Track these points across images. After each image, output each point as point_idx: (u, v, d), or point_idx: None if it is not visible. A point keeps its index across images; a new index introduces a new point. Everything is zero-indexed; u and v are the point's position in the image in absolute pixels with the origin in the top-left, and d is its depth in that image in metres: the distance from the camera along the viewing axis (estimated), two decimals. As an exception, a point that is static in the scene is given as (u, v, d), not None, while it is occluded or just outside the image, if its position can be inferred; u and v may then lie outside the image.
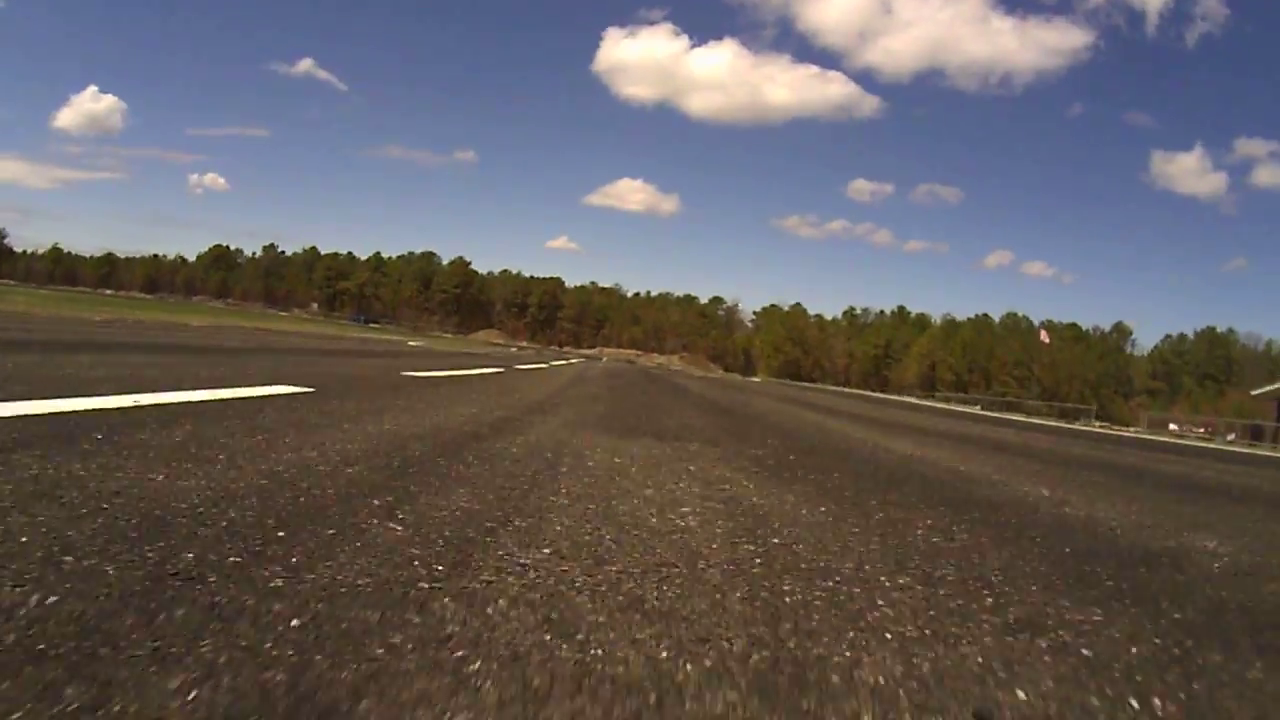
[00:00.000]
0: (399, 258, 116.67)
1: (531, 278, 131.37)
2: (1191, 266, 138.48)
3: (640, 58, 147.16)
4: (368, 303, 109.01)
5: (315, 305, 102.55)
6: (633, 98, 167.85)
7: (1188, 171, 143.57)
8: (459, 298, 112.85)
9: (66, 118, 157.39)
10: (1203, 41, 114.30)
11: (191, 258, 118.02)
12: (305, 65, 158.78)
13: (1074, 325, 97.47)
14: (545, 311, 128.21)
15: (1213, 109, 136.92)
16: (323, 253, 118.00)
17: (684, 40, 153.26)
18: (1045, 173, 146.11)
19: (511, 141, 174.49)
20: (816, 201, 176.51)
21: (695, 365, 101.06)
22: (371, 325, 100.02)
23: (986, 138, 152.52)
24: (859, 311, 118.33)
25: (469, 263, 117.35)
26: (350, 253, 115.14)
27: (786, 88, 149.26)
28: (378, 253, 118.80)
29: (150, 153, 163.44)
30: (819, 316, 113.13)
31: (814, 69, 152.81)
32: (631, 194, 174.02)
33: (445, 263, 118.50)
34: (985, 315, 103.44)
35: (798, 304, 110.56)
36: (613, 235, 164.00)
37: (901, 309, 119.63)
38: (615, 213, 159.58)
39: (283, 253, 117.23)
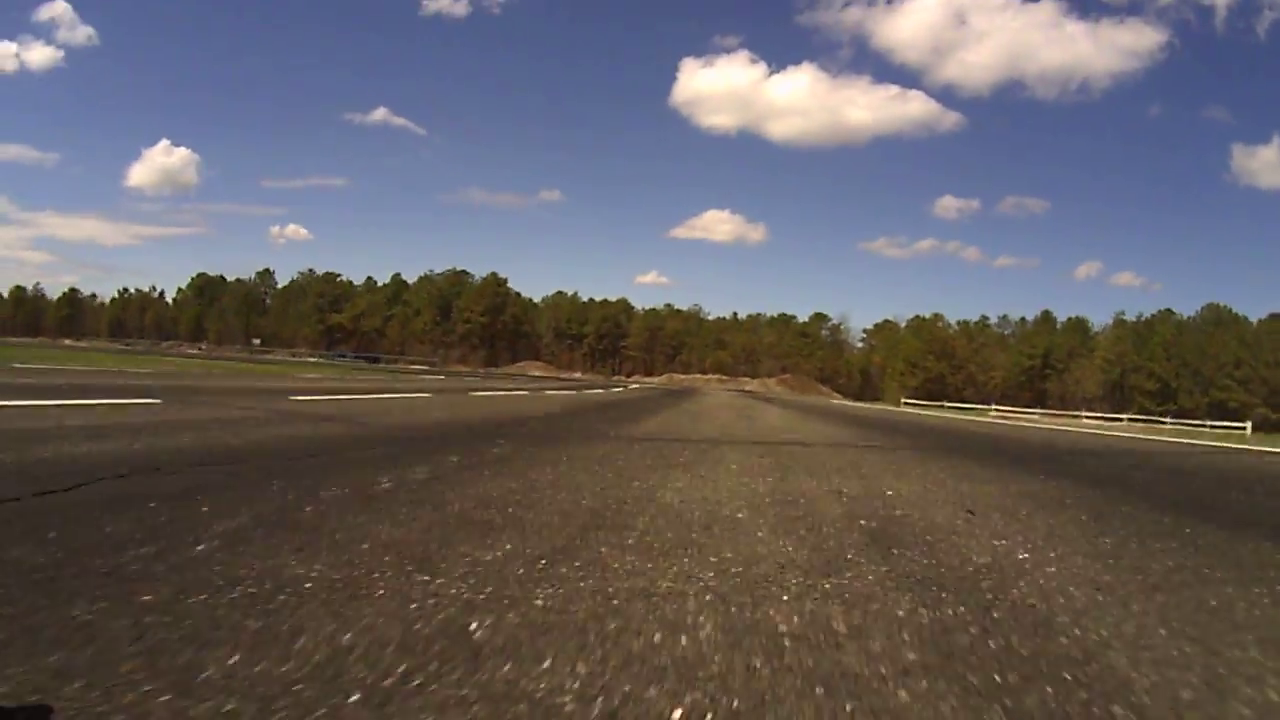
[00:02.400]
0: (422, 278, 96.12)
1: (590, 301, 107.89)
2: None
3: (718, 87, 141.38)
4: (368, 338, 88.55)
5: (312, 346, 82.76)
6: (714, 128, 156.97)
7: (1269, 164, 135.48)
8: (489, 326, 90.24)
9: (140, 174, 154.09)
10: (1274, 30, 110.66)
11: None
12: (380, 114, 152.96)
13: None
14: (606, 340, 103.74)
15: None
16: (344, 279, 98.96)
17: (761, 67, 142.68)
18: (1129, 178, 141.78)
19: (596, 179, 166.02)
20: (904, 222, 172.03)
21: (801, 389, 73.00)
22: (369, 362, 78.82)
23: (1069, 146, 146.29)
24: (995, 320, 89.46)
25: (503, 280, 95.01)
26: (349, 280, 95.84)
27: (866, 108, 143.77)
28: (398, 275, 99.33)
29: (229, 208, 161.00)
30: (964, 323, 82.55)
31: (893, 89, 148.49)
32: (719, 225, 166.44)
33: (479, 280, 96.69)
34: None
35: (937, 313, 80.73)
36: (702, 267, 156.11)
37: (1047, 314, 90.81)
38: (703, 244, 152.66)
39: (273, 280, 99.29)
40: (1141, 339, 73.78)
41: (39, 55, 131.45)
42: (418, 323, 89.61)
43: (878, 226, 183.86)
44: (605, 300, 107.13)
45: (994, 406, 49.65)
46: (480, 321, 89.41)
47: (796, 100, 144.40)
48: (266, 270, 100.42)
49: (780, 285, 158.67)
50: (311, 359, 68.49)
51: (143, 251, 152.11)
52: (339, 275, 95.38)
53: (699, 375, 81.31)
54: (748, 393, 36.11)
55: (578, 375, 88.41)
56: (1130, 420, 43.17)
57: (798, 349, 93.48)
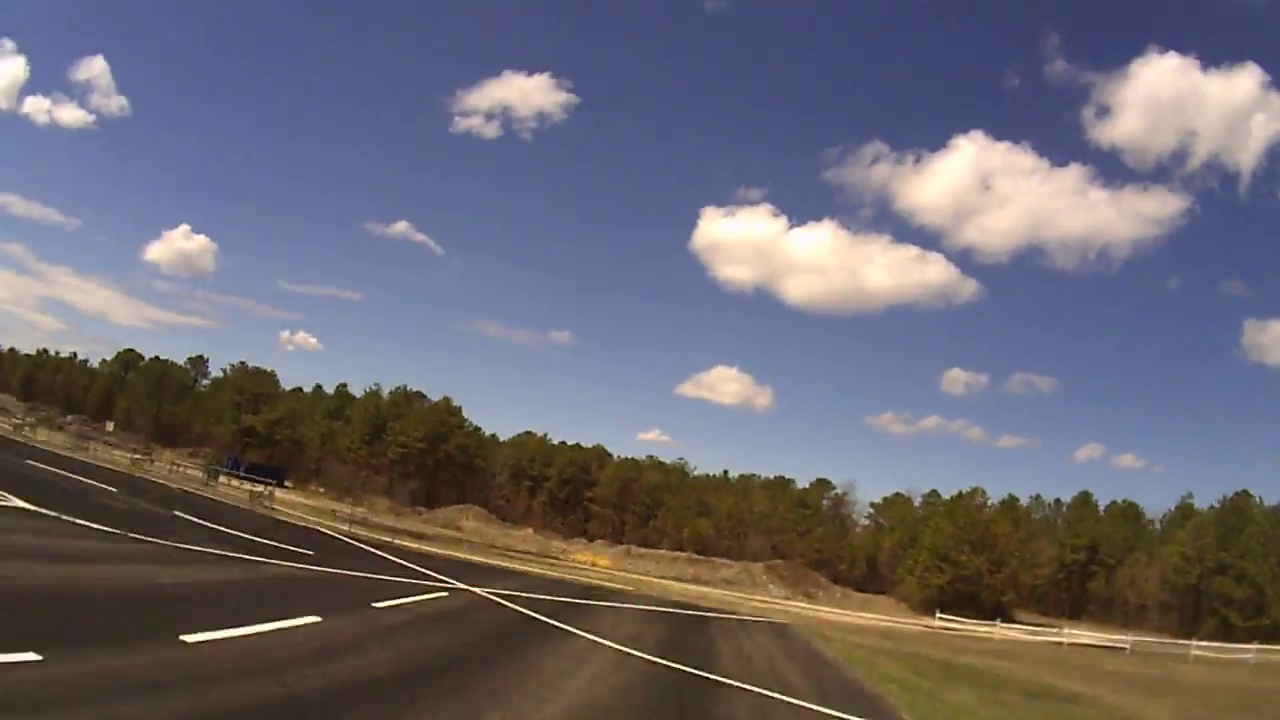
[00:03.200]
0: (368, 393, 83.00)
1: (561, 444, 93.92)
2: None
3: (738, 238, 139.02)
4: (282, 449, 74.37)
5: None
6: (730, 280, 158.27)
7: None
8: (427, 455, 75.93)
9: (158, 251, 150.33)
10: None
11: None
12: (402, 227, 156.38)
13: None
14: (570, 488, 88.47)
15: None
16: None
17: (782, 221, 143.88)
18: (1138, 354, 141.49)
19: (608, 323, 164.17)
20: (912, 396, 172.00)
21: (794, 581, 56.90)
22: (255, 478, 64.08)
23: (1083, 319, 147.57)
24: (1026, 501, 75.50)
25: (456, 409, 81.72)
26: (273, 370, 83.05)
27: (885, 270, 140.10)
28: (343, 385, 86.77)
29: (242, 303, 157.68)
30: (1011, 501, 67.37)
31: (913, 250, 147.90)
32: (726, 384, 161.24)
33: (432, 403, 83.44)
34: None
35: (976, 487, 65.78)
36: (704, 428, 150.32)
37: (1087, 497, 76.89)
38: (708, 405, 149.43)
39: (206, 367, 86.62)
40: (1230, 530, 57.85)
41: (71, 115, 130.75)
42: (343, 439, 75.62)
43: (886, 400, 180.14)
44: (578, 445, 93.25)
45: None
46: (417, 447, 75.17)
47: (815, 257, 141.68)
48: (200, 357, 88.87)
49: (782, 453, 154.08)
50: (179, 464, 54.40)
51: (151, 334, 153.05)
52: (268, 370, 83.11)
53: (666, 553, 65.21)
54: (698, 619, 21.82)
55: (528, 532, 73.07)
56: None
57: (794, 522, 77.59)
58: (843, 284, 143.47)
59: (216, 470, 51.98)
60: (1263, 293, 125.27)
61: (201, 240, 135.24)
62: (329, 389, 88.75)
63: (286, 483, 71.45)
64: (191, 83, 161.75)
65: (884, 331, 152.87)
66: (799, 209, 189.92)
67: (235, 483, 56.47)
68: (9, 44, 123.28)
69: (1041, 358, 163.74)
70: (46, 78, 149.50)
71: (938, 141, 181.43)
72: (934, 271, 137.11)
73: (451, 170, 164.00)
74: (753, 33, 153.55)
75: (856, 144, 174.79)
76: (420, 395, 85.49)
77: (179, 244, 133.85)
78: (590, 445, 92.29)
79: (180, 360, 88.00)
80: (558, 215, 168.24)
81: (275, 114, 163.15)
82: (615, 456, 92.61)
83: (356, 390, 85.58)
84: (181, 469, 51.50)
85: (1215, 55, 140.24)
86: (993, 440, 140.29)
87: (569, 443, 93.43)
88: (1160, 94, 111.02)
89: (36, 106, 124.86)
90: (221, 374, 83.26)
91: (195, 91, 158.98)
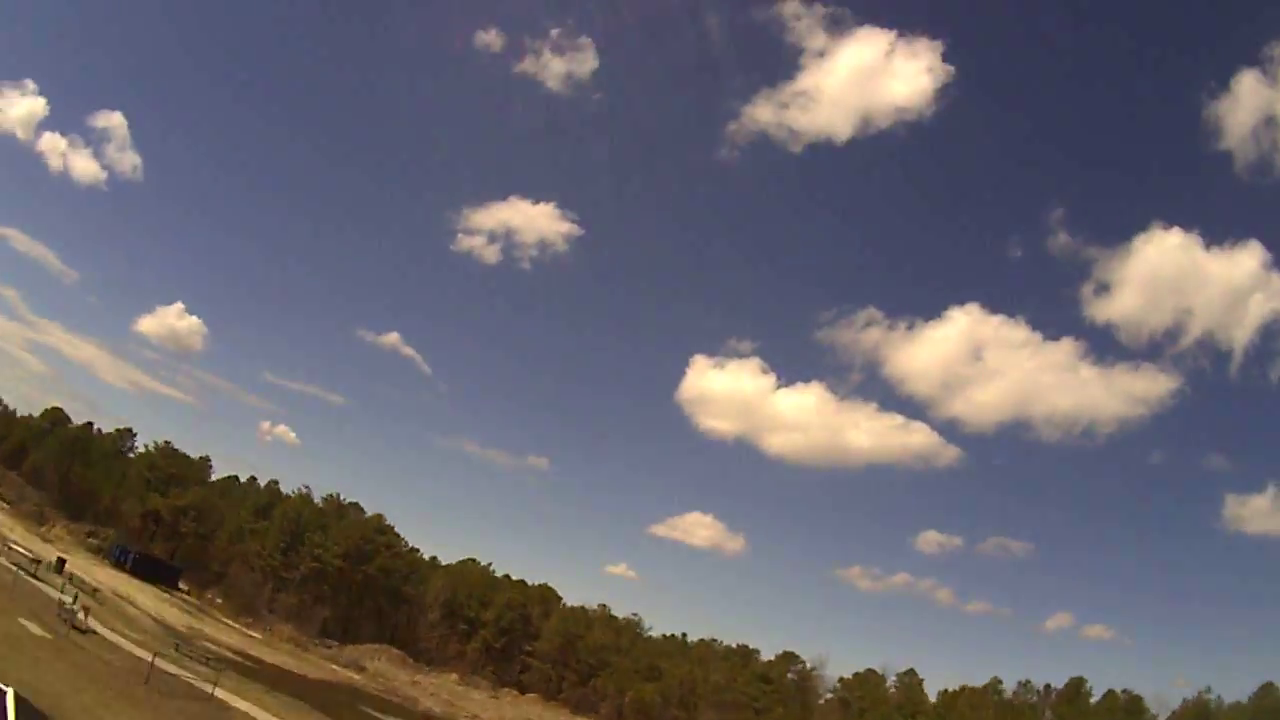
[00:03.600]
0: (300, 496, 75.05)
1: (507, 577, 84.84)
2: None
3: (725, 390, 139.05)
4: (186, 541, 65.67)
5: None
6: (712, 430, 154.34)
7: (1261, 512, 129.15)
8: (346, 574, 67.22)
9: (150, 324, 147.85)
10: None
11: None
12: (393, 338, 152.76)
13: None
14: (509, 637, 78.35)
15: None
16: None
17: (771, 378, 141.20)
18: (1118, 526, 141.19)
19: (587, 455, 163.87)
20: (883, 552, 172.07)
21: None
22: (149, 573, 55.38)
23: (1063, 489, 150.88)
24: (1014, 688, 65.19)
25: (388, 527, 73.90)
26: (206, 457, 75.39)
27: (867, 434, 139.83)
28: (274, 482, 78.90)
29: (226, 386, 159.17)
30: (995, 687, 58.31)
31: (898, 419, 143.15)
32: (699, 529, 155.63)
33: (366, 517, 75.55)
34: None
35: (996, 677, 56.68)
36: (673, 568, 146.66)
37: (1078, 684, 65.51)
38: (679, 546, 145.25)
39: (132, 439, 78.51)
40: None
41: (84, 166, 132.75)
42: (254, 542, 67.06)
43: (856, 554, 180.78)
44: (522, 581, 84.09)
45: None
46: (334, 564, 66.58)
47: (800, 417, 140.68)
48: (128, 429, 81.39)
49: (750, 605, 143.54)
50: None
51: (134, 399, 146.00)
52: (196, 458, 75.60)
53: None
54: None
55: (451, 678, 63.91)
56: None
57: (752, 697, 67.68)
58: (825, 441, 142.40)
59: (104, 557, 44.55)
60: (1246, 468, 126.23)
61: (193, 321, 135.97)
62: (309, 487, 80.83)
63: (181, 585, 62.64)
64: (206, 162, 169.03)
65: (861, 489, 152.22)
66: (788, 367, 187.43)
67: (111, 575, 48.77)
68: (31, 84, 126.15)
69: (1018, 524, 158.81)
70: (65, 118, 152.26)
71: (933, 311, 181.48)
72: (916, 439, 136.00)
73: (448, 288, 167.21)
74: (760, 188, 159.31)
75: (852, 307, 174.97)
76: (356, 506, 77.86)
77: (171, 321, 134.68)
78: (535, 584, 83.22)
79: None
80: (549, 346, 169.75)
81: (282, 208, 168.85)
82: (563, 603, 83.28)
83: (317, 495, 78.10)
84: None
85: (1219, 232, 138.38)
86: (961, 604, 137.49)
87: (514, 577, 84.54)
88: (1161, 271, 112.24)
89: (52, 146, 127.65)
90: (144, 449, 76.07)
91: (209, 171, 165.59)
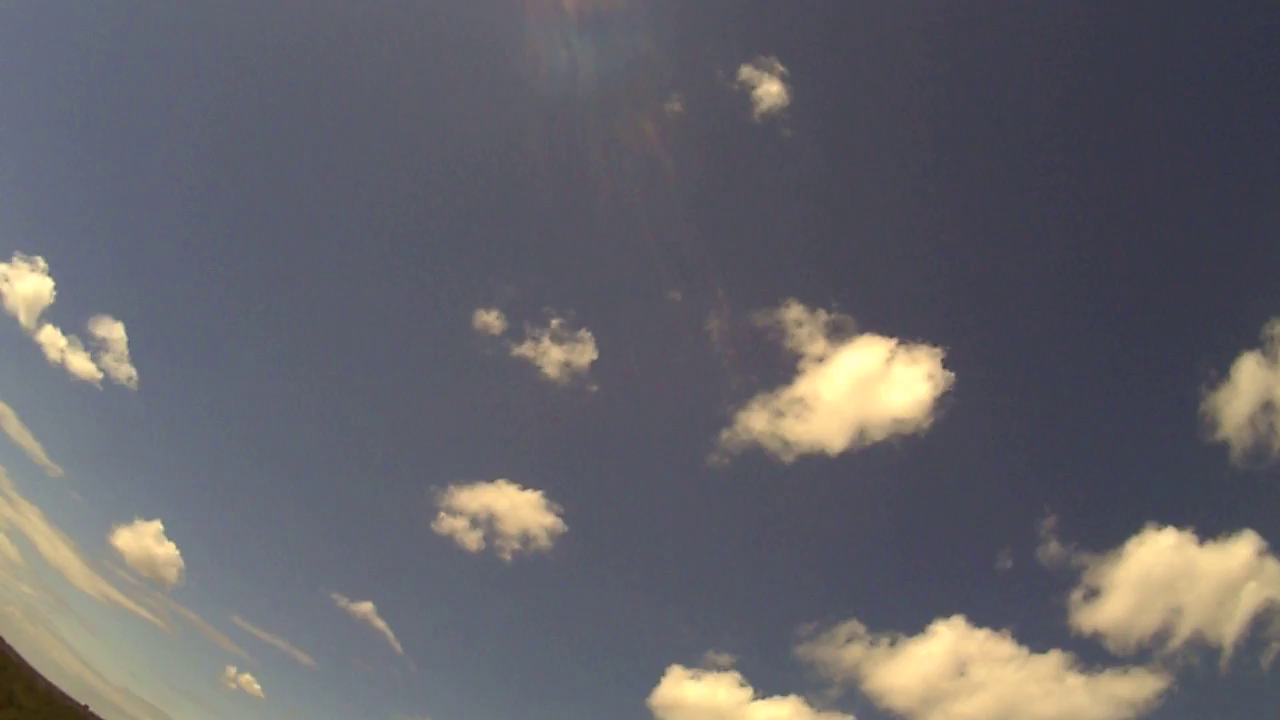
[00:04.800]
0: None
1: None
2: None
3: (699, 700, 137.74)
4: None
5: None
6: None
7: None
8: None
9: (126, 539, 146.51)
10: (1277, 661, 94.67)
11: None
12: (366, 608, 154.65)
13: None
14: None
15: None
16: None
17: (747, 690, 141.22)
18: None
19: None
20: None
21: None
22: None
23: None
24: None
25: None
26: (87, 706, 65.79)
27: None
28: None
29: (197, 621, 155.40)
30: None
31: None
32: None
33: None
34: None
35: None
36: None
37: None
38: None
39: None
40: None
41: (80, 364, 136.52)
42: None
43: None
44: None
45: None
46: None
47: None
48: None
49: None
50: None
51: (103, 611, 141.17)
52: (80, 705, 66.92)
53: None
54: None
55: None
56: None
57: None
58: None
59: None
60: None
61: (170, 549, 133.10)
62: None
63: None
64: (202, 390, 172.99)
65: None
66: (766, 680, 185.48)
67: None
68: (42, 262, 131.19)
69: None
70: (69, 314, 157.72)
71: (916, 626, 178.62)
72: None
73: (426, 569, 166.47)
74: (750, 498, 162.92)
75: (833, 621, 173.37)
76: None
77: (147, 543, 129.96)
78: None
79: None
80: (524, 641, 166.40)
81: (270, 457, 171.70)
82: None
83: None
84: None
85: (1213, 526, 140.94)
86: None
87: None
88: (1153, 573, 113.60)
89: (51, 339, 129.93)
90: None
91: (204, 399, 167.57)
